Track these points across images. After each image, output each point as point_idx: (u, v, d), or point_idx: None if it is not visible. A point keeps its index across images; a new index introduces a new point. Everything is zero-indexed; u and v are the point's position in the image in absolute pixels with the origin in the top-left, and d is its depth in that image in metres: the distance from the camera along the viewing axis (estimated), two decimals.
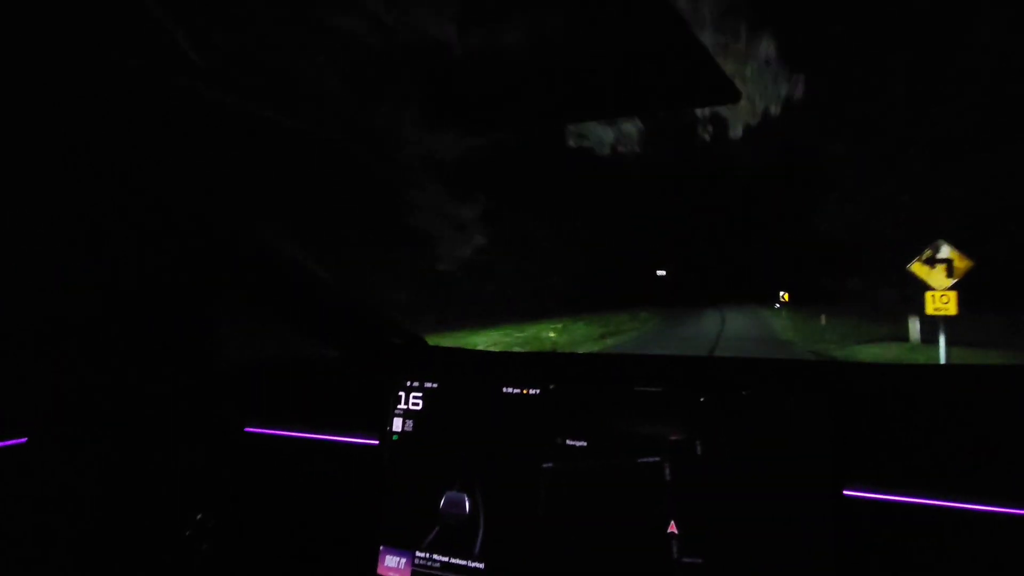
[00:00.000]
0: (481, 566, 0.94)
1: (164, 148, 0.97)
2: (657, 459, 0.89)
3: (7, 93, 0.79)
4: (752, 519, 0.83)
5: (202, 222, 1.08)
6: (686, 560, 0.84)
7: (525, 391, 1.00)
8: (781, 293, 25.66)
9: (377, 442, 1.08)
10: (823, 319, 14.27)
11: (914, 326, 9.14)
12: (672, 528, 0.86)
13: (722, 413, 0.88)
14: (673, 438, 0.89)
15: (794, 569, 0.80)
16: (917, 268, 6.15)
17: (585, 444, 0.94)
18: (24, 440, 1.04)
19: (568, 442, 0.95)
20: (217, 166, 1.04)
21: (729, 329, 15.13)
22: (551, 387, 0.99)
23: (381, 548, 1.02)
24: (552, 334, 12.53)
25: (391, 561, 1.01)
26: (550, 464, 0.95)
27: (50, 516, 1.06)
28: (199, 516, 1.13)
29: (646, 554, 0.86)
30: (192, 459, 1.18)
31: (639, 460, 0.90)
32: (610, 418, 0.94)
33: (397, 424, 1.07)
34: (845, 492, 0.82)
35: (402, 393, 1.09)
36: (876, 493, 0.82)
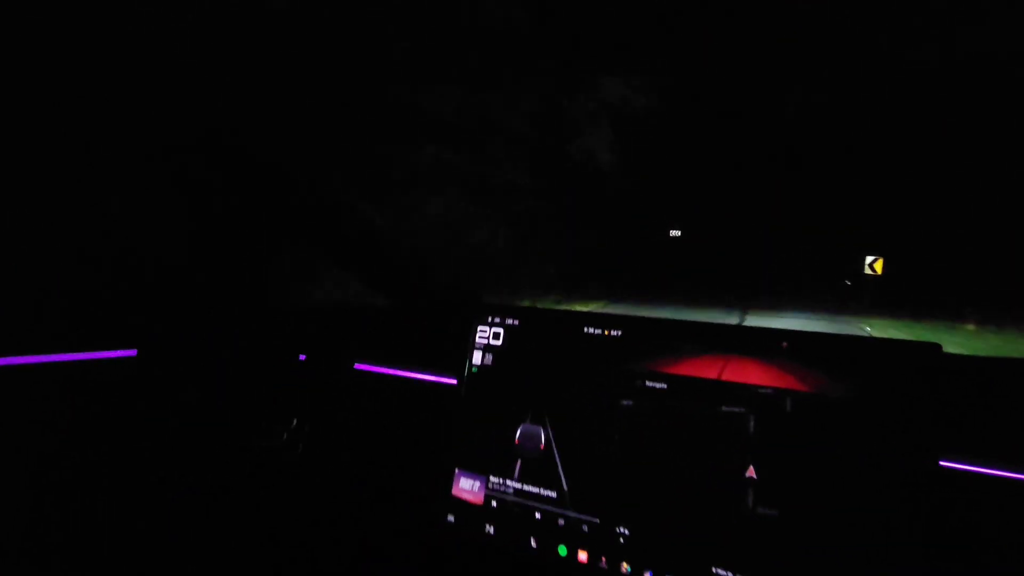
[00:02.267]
0: (553, 494, 0.98)
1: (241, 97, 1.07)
2: (742, 410, 0.87)
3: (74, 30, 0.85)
4: (837, 480, 0.80)
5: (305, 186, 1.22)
6: (761, 511, 0.83)
7: (607, 332, 1.00)
8: (868, 259, 13.85)
9: (456, 382, 1.15)
10: (971, 327, 7.99)
11: None
12: (751, 473, 0.85)
13: (815, 369, 0.84)
14: (761, 391, 0.87)
15: (873, 534, 0.77)
16: None
17: (665, 387, 0.93)
18: (134, 352, 1.18)
19: (648, 383, 0.94)
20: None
21: None
22: (634, 329, 0.98)
23: (456, 471, 1.08)
24: None
25: (465, 484, 1.07)
26: (629, 402, 0.95)
27: (155, 421, 1.21)
28: (295, 421, 1.26)
29: (720, 500, 0.86)
30: (300, 383, 1.36)
31: (723, 408, 0.88)
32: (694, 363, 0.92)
33: (477, 357, 1.11)
34: (942, 463, 0.78)
35: (484, 328, 1.12)
36: (975, 466, 0.79)
